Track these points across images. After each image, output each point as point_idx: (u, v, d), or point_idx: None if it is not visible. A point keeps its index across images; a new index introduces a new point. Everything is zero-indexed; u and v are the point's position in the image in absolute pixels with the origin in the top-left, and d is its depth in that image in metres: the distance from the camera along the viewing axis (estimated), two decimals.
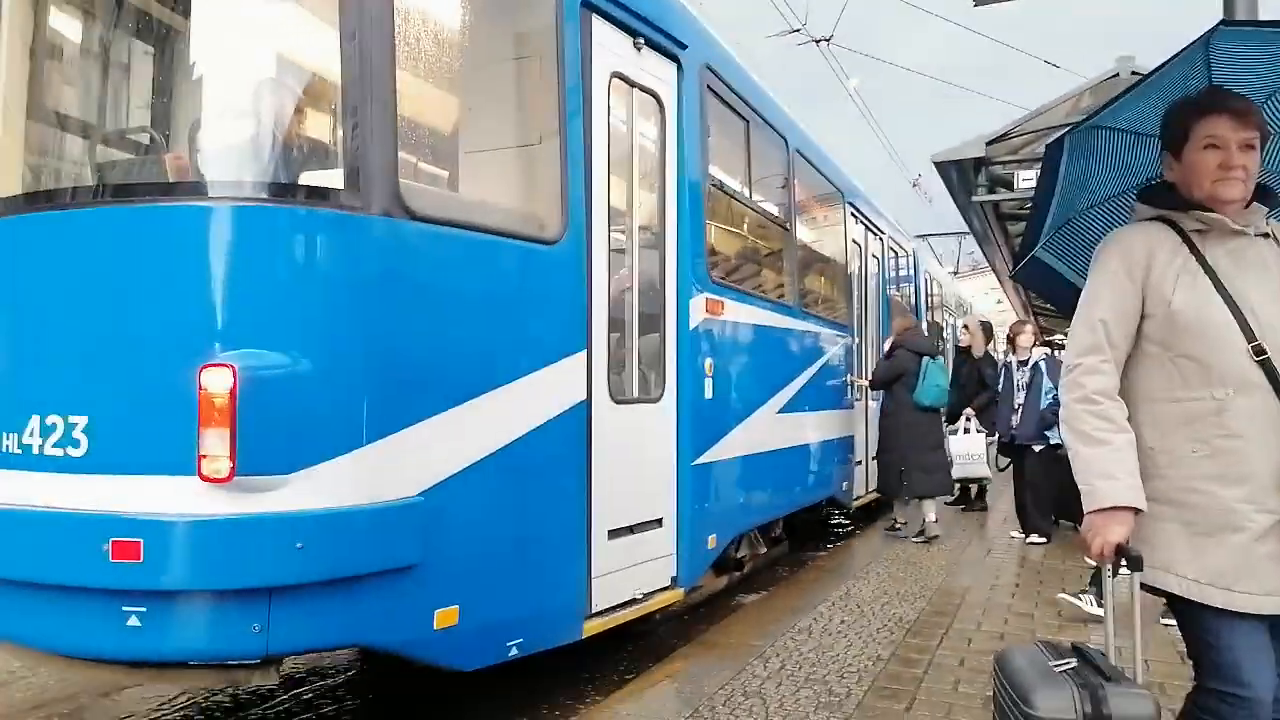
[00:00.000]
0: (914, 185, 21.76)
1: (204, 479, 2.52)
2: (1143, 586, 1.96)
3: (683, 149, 4.52)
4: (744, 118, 5.70)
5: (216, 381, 2.51)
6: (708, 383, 4.78)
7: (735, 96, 5.48)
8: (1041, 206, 2.43)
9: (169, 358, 2.59)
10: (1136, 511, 1.90)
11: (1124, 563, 1.88)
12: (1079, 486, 1.98)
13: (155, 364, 2.62)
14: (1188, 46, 1.93)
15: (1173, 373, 1.95)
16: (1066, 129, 2.27)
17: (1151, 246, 2.00)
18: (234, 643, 2.65)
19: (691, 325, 4.58)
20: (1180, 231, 2.00)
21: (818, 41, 11.30)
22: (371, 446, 2.78)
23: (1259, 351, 1.86)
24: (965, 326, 9.23)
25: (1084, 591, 4.89)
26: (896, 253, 10.68)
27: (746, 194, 5.82)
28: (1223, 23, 1.90)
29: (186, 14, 3.08)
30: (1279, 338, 1.87)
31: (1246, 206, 1.98)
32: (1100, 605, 4.58)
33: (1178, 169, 2.03)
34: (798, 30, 11.03)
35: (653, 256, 4.42)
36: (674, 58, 4.48)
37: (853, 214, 8.53)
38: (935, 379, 7.45)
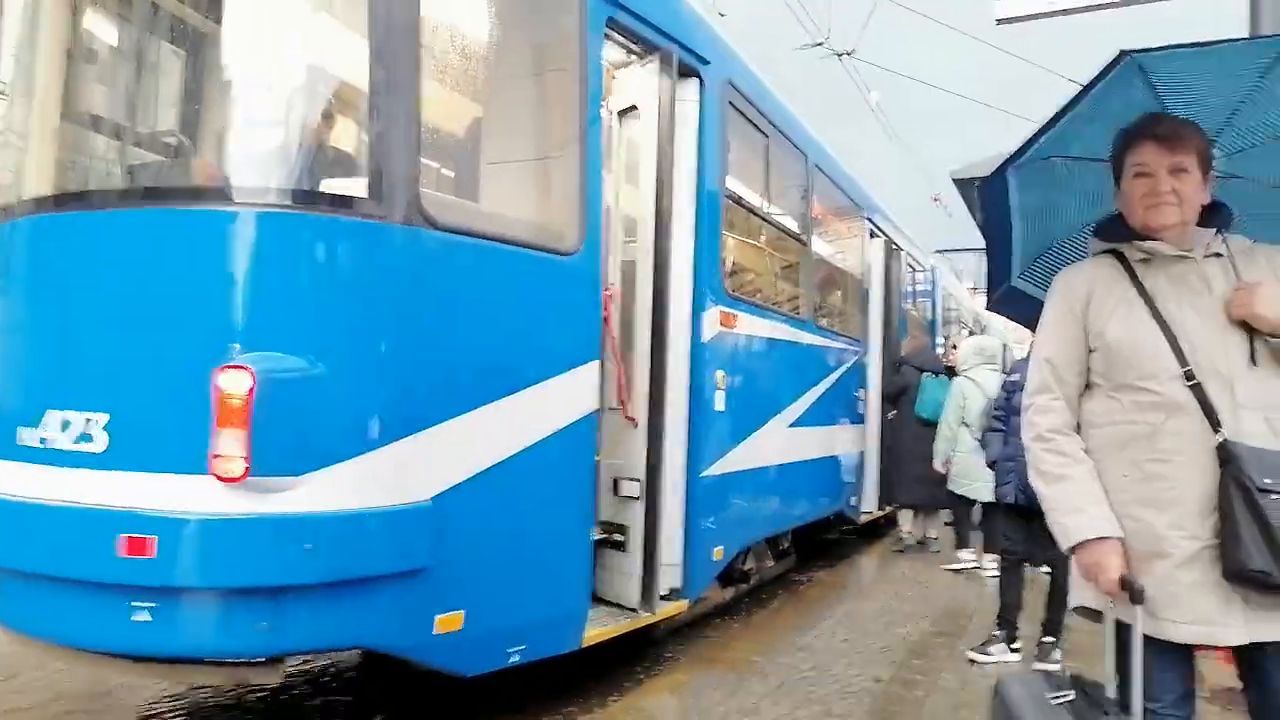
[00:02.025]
0: (935, 200, 21.68)
1: (218, 478, 2.56)
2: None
3: (702, 163, 4.55)
4: (764, 133, 5.73)
5: (234, 383, 2.56)
6: (718, 395, 4.80)
7: (756, 112, 5.51)
8: (1000, 238, 2.46)
9: (190, 359, 2.64)
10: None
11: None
12: (1051, 529, 2.00)
13: (176, 364, 2.66)
14: (1101, 75, 1.93)
15: (1112, 400, 1.97)
16: (1002, 164, 2.28)
17: (1091, 282, 2.04)
18: (240, 641, 2.69)
19: (705, 338, 4.60)
20: (1126, 262, 2.02)
21: (840, 55, 11.30)
22: (384, 450, 2.81)
23: (1190, 376, 1.86)
24: (953, 345, 9.36)
25: (991, 641, 4.67)
26: (914, 269, 10.66)
27: (764, 208, 5.84)
28: (1123, 52, 1.89)
29: (218, 20, 3.14)
30: (1211, 362, 1.87)
31: (1200, 226, 1.98)
32: (1012, 650, 4.56)
33: (1120, 200, 2.06)
34: (820, 44, 11.03)
35: (668, 269, 4.44)
36: (696, 73, 4.50)
37: (871, 230, 8.52)
38: (932, 394, 7.80)
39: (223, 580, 2.63)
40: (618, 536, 4.31)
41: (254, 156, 2.89)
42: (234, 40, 3.04)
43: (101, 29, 3.39)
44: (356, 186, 2.87)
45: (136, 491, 2.61)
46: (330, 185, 2.93)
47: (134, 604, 2.56)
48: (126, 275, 2.77)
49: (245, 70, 2.98)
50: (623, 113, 4.56)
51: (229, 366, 2.58)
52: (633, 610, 4.19)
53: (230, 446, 2.56)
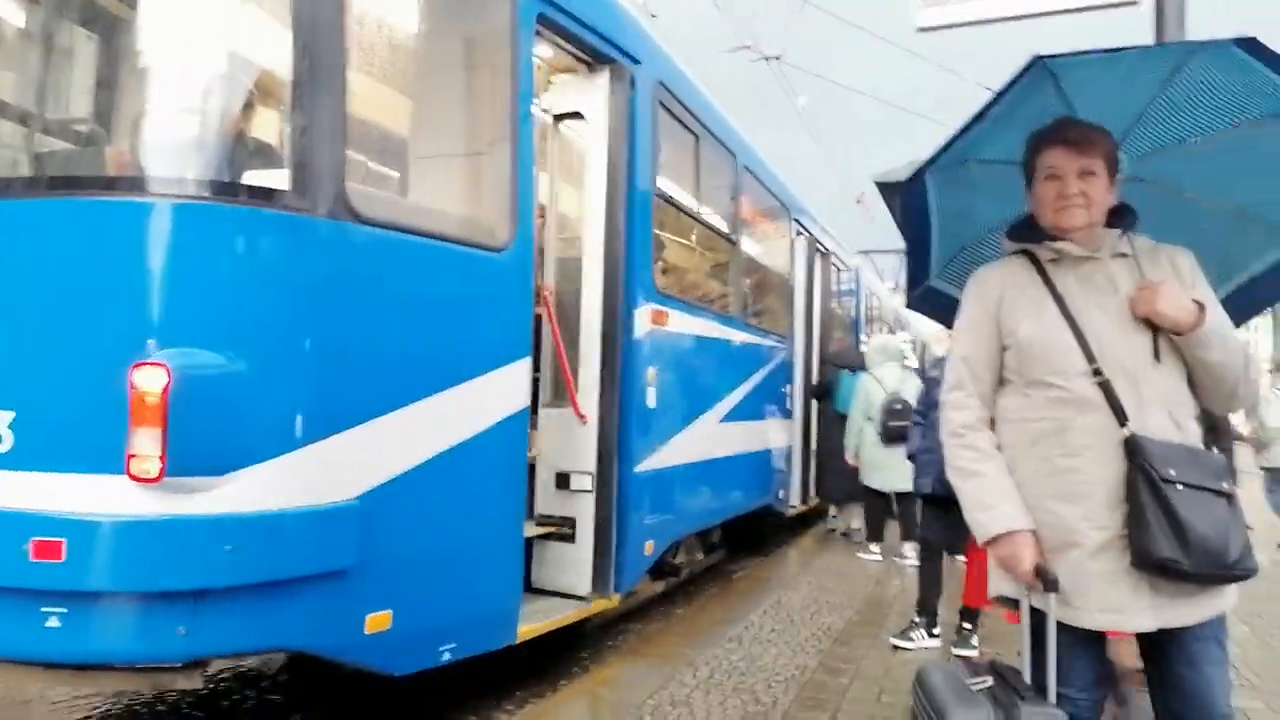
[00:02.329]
0: (858, 203, 22.19)
1: (133, 479, 2.47)
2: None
3: (633, 162, 4.57)
4: (694, 133, 5.79)
5: (149, 380, 2.47)
6: (650, 392, 4.84)
7: (686, 112, 5.56)
8: (919, 239, 2.54)
9: (102, 354, 2.54)
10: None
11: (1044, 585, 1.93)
12: (967, 523, 2.08)
13: (87, 360, 2.56)
14: (1015, 80, 2.01)
15: (1025, 397, 2.05)
16: (920, 166, 2.35)
17: (1004, 282, 2.11)
18: (157, 645, 2.59)
19: (636, 335, 4.64)
20: (1037, 262, 2.10)
21: (767, 59, 11.50)
22: (308, 449, 2.75)
23: (1098, 373, 1.94)
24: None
25: (912, 628, 4.80)
26: (839, 268, 10.91)
27: (694, 207, 5.91)
28: (1038, 57, 1.96)
29: (134, 4, 3.02)
30: (1118, 359, 1.95)
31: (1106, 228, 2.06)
32: (932, 636, 4.76)
33: (1031, 201, 2.14)
34: (748, 47, 11.21)
35: (601, 267, 4.46)
36: (629, 74, 4.53)
37: (798, 230, 8.70)
38: (847, 388, 8.05)
39: (138, 584, 2.53)
40: (565, 530, 4.33)
41: (171, 146, 2.79)
42: (152, 23, 2.92)
43: (8, 8, 3.22)
44: (279, 178, 2.79)
45: (45, 492, 2.50)
46: (252, 177, 2.85)
47: (44, 609, 2.46)
48: (34, 267, 2.64)
49: (163, 55, 2.86)
50: (560, 116, 4.57)
51: (144, 363, 2.49)
52: (582, 599, 4.25)
53: (146, 446, 2.47)
